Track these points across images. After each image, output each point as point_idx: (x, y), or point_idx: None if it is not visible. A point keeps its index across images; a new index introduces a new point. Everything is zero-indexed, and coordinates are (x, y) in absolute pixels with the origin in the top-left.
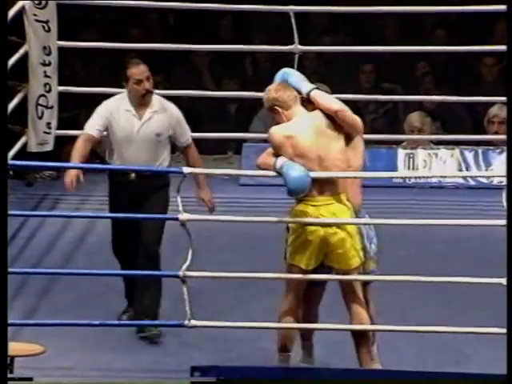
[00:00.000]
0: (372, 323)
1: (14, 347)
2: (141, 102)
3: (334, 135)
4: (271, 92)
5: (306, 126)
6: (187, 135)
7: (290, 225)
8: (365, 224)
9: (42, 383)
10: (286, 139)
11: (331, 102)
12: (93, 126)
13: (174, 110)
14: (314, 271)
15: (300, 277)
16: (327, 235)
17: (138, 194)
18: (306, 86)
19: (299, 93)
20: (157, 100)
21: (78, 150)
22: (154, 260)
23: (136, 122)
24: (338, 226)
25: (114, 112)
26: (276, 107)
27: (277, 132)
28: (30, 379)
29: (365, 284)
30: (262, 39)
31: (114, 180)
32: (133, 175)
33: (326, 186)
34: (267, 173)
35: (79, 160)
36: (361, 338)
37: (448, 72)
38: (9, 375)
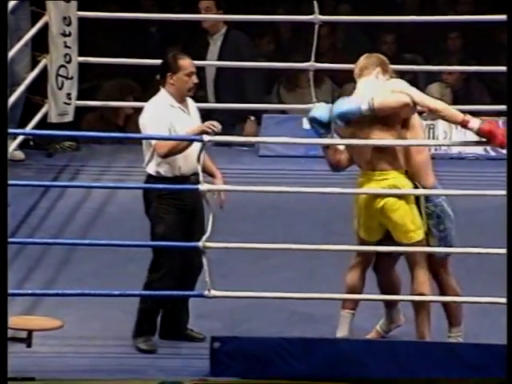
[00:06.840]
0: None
1: (32, 321)
2: (185, 96)
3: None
4: None
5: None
6: None
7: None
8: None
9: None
10: None
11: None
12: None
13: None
14: (379, 243)
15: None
16: (382, 208)
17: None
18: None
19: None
20: None
21: None
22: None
23: (187, 117)
24: (395, 199)
25: (169, 112)
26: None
27: None
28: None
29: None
30: (283, 10)
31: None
32: (193, 176)
33: (377, 162)
34: (287, 140)
35: None
36: (419, 307)
37: (470, 42)
38: (27, 349)
